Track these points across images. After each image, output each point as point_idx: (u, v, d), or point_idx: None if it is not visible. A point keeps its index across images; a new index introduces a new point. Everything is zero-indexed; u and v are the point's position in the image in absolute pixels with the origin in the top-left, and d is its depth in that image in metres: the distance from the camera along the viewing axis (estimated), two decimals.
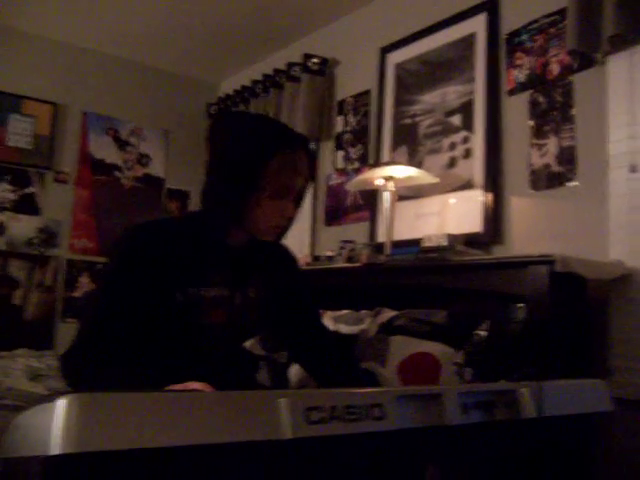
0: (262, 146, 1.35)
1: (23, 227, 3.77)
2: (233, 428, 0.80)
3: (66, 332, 3.81)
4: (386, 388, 1.17)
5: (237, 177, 1.35)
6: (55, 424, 0.68)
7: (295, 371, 2.11)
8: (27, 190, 3.81)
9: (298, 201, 1.46)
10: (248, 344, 2.09)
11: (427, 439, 1.00)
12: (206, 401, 0.81)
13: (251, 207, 1.36)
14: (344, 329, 2.23)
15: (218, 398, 0.84)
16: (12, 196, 3.75)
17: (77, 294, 3.90)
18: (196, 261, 1.41)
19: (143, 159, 4.25)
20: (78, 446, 0.67)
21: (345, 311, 2.37)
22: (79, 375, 1.29)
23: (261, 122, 1.48)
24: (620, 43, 2.11)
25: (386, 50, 3.18)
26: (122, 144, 4.17)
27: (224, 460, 0.81)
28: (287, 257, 1.65)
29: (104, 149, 4.10)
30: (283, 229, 1.44)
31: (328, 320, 2.33)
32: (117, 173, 4.13)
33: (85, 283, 3.93)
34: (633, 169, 2.08)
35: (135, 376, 1.26)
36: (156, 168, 4.30)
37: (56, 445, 0.67)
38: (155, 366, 1.33)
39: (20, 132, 3.80)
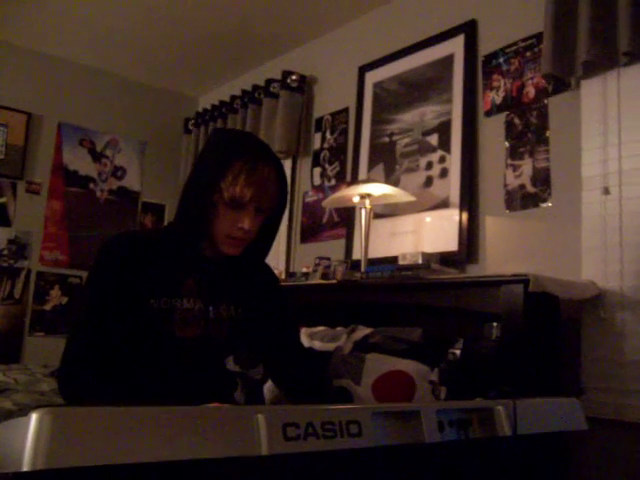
0: (220, 155, 1.38)
1: None
2: (209, 444, 0.79)
3: (34, 346, 3.74)
4: (363, 405, 1.16)
5: (199, 186, 1.38)
6: (28, 439, 0.66)
7: (270, 387, 2.09)
8: None
9: (274, 218, 1.46)
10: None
11: (403, 456, 1.00)
12: (182, 416, 0.80)
13: (211, 217, 1.38)
14: (319, 346, 2.22)
15: (194, 413, 0.83)
16: None
17: (47, 307, 3.83)
18: (171, 271, 1.41)
19: (118, 172, 4.21)
20: (51, 462, 0.66)
21: (321, 327, 2.36)
22: (81, 396, 1.28)
23: (228, 134, 1.52)
24: (593, 69, 2.16)
25: (365, 69, 3.21)
26: (97, 156, 4.13)
27: (199, 476, 0.80)
28: (268, 274, 1.64)
29: (78, 160, 4.05)
30: (239, 241, 1.41)
31: (303, 336, 2.31)
32: (91, 185, 4.09)
33: (55, 296, 3.86)
34: (605, 191, 2.12)
35: (134, 393, 1.28)
36: (131, 181, 4.26)
37: (29, 461, 0.65)
38: (141, 382, 1.33)
39: None
